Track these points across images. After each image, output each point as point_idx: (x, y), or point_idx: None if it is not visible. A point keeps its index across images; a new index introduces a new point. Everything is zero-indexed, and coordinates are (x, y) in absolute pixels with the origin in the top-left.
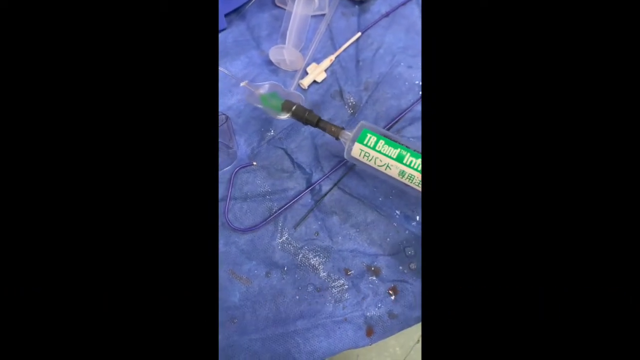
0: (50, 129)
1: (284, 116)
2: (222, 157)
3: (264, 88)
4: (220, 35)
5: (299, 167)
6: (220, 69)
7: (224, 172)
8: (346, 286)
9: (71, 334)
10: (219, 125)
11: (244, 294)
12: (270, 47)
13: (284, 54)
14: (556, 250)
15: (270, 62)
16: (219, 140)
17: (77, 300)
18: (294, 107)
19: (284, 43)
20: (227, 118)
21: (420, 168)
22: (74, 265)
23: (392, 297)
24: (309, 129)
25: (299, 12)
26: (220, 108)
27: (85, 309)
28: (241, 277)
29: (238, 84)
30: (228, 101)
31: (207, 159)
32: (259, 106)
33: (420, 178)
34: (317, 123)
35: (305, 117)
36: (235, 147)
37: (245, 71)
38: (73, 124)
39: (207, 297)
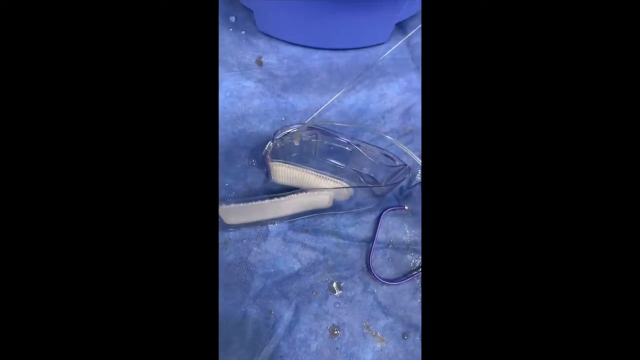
0: (60, 136)
1: None
2: (366, 193)
3: None
4: (378, 50)
5: None
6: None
7: (368, 212)
8: None
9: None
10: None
11: (378, 354)
12: None
13: None
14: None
15: None
16: (367, 173)
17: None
18: None
19: None
20: (408, 170)
21: None
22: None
23: None
24: None
25: None
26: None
27: (83, 315)
28: (376, 333)
29: (392, 109)
30: (380, 128)
31: (206, 169)
32: None
33: None
34: None
35: None
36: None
37: (402, 97)
38: (74, 126)
39: (206, 308)
